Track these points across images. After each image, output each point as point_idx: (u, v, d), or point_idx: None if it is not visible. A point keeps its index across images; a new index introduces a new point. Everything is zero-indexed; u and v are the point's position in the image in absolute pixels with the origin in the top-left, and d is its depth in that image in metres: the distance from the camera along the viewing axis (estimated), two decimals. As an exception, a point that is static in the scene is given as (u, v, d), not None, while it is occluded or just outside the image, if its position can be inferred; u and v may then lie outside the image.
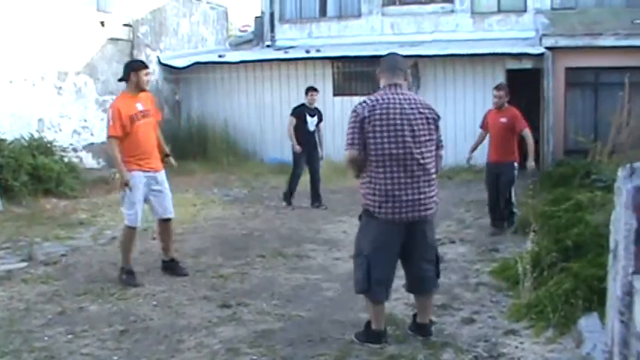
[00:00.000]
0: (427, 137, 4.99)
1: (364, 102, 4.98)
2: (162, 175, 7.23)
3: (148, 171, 7.03)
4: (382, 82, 5.13)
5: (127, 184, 6.84)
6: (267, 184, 14.67)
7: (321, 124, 12.04)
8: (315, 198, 11.97)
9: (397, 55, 5.37)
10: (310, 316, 6.00)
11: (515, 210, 9.48)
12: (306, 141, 11.77)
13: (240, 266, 7.78)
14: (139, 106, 6.99)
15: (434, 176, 5.06)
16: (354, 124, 4.92)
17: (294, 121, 11.80)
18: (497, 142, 9.41)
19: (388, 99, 4.95)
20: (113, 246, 8.71)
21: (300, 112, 11.83)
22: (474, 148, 9.90)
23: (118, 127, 6.82)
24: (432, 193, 5.02)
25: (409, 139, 4.89)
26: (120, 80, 7.28)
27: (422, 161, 4.93)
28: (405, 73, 5.23)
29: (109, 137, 6.91)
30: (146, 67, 7.27)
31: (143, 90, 7.12)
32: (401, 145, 4.87)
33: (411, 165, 4.90)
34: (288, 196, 12.04)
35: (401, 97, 5.00)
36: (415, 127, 4.92)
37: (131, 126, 6.87)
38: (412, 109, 4.96)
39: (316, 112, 11.91)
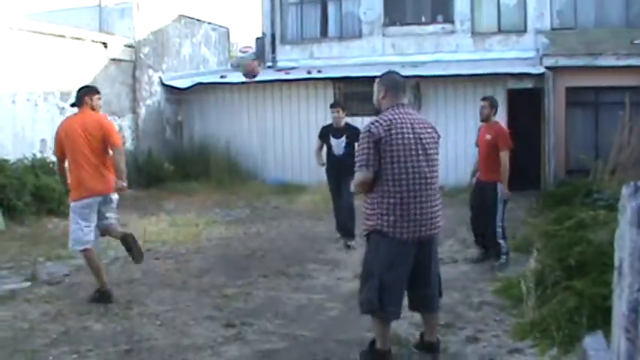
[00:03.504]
0: (435, 156, 5.07)
1: (376, 122, 4.93)
2: None
3: None
4: (387, 102, 5.11)
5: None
6: (268, 205, 14.70)
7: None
8: (344, 232, 10.23)
9: (397, 74, 5.36)
10: (314, 335, 6.00)
11: (501, 241, 8.54)
12: (332, 167, 10.29)
13: (243, 286, 7.79)
14: None
15: (439, 194, 5.12)
16: (368, 145, 4.85)
17: (318, 142, 10.58)
18: (483, 160, 8.72)
19: (401, 119, 4.95)
20: (116, 266, 8.73)
21: (324, 134, 10.43)
22: (474, 173, 9.13)
23: None
24: (440, 211, 5.07)
25: (422, 157, 4.93)
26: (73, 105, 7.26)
27: (431, 180, 4.99)
28: (406, 93, 5.27)
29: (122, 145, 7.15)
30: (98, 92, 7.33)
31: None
32: (416, 165, 4.90)
33: (424, 184, 4.92)
34: (337, 226, 10.50)
35: (410, 116, 5.03)
36: (427, 146, 4.98)
37: None
38: (422, 128, 5.01)
39: (345, 132, 10.06)
